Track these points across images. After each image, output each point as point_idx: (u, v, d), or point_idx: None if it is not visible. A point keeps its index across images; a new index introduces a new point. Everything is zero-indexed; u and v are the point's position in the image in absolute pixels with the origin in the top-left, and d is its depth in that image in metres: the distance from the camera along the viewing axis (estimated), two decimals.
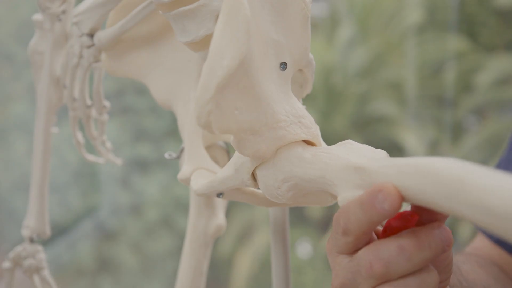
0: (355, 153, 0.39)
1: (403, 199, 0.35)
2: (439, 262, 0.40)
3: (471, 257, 0.69)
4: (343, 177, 0.38)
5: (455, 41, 3.49)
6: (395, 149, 3.40)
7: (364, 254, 0.37)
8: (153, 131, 3.23)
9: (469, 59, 3.51)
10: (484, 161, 3.33)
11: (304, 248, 3.42)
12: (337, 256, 0.39)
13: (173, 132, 3.19)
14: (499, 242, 0.73)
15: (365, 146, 0.41)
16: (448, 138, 3.53)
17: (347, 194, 0.38)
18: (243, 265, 3.25)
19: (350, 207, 0.37)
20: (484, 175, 0.31)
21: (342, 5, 3.69)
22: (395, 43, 3.58)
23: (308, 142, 0.44)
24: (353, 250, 0.38)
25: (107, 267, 3.12)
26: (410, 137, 3.41)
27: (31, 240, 0.77)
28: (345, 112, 3.55)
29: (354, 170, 0.38)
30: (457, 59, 3.49)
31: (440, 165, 0.32)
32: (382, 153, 0.40)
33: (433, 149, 3.51)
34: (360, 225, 0.36)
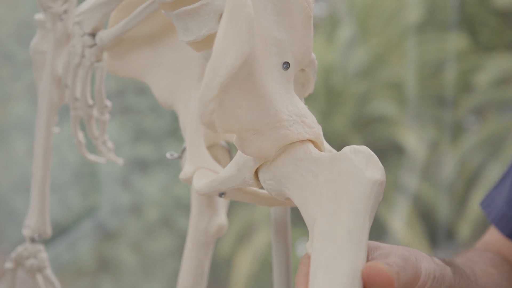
0: (335, 186, 0.39)
1: None
2: None
3: (485, 254, 0.68)
4: (309, 221, 0.40)
5: (455, 41, 3.49)
6: (395, 149, 3.40)
7: None
8: (153, 131, 3.23)
9: (469, 59, 3.51)
10: (484, 161, 3.33)
11: (304, 248, 3.42)
12: None
13: (173, 132, 3.19)
14: None
15: (355, 170, 0.40)
16: (448, 138, 3.53)
17: (308, 244, 0.40)
18: (243, 265, 3.25)
19: (300, 262, 0.41)
20: None
21: (342, 5, 3.69)
22: (395, 43, 3.58)
23: (311, 142, 0.44)
24: None
25: (107, 267, 3.12)
26: (410, 137, 3.41)
27: (32, 240, 0.77)
28: (345, 112, 3.55)
29: (312, 224, 0.40)
30: (457, 59, 3.49)
31: None
32: (376, 175, 0.39)
33: (433, 149, 3.51)
34: (303, 283, 0.40)
